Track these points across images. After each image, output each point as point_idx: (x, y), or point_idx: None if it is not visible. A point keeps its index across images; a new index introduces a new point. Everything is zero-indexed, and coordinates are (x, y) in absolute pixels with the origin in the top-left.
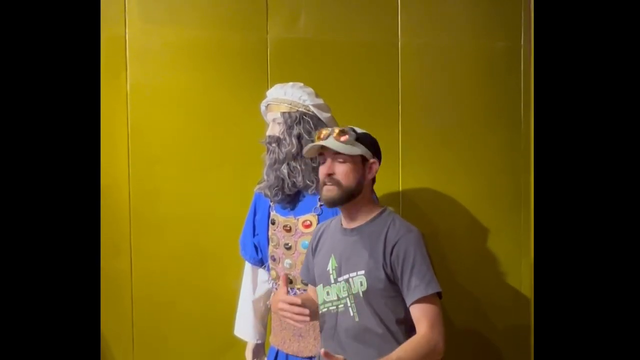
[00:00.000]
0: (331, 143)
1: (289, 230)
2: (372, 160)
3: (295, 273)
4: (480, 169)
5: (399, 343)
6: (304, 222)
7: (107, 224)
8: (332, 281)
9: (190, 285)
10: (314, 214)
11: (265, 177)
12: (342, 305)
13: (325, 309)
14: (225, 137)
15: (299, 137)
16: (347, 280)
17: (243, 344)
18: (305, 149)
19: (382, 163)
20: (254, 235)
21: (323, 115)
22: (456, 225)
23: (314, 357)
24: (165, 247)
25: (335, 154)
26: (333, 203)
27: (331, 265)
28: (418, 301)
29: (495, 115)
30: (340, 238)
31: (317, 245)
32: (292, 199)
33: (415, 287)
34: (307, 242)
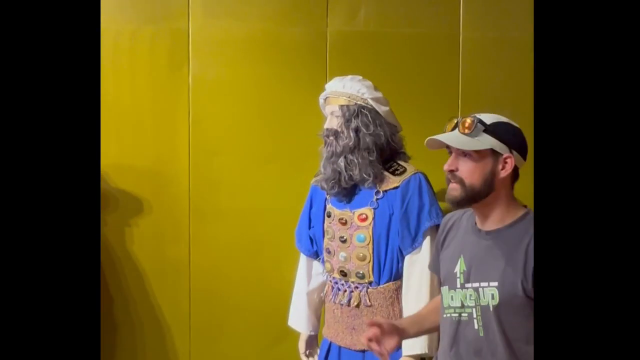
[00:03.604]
0: (450, 137)
1: (345, 223)
2: (506, 155)
3: (350, 266)
4: None
5: None
6: (359, 215)
7: (167, 213)
8: (458, 285)
9: (247, 275)
10: (370, 207)
11: (322, 169)
12: (465, 315)
13: (448, 315)
14: (284, 130)
15: (357, 131)
16: (476, 290)
17: (297, 334)
18: (426, 140)
19: None
20: (309, 228)
21: (381, 109)
22: None
23: (367, 350)
24: (223, 237)
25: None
26: (457, 204)
27: (459, 267)
28: None
29: None
30: (472, 239)
31: (444, 239)
32: (348, 192)
33: None
34: (362, 236)
